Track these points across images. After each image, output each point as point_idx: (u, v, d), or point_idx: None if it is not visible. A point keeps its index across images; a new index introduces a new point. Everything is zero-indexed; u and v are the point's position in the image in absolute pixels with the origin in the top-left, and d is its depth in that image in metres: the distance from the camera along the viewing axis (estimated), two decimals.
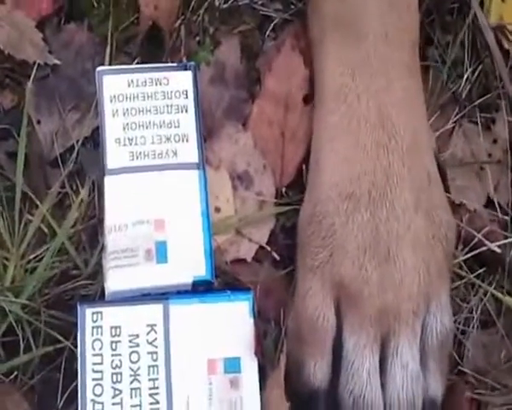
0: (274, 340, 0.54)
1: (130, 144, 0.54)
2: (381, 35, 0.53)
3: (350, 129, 0.52)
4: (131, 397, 0.49)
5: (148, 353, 0.49)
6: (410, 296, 0.50)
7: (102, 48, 0.59)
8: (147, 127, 0.55)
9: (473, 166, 0.59)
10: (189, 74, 0.56)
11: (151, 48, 0.60)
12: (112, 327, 0.49)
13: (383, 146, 0.52)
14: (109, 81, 0.55)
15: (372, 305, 0.50)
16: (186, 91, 0.56)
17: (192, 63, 0.57)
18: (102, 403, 0.48)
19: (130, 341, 0.49)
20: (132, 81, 0.55)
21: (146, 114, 0.55)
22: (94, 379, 0.49)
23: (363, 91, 0.53)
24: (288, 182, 0.58)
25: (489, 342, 0.55)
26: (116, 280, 0.50)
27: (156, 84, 0.56)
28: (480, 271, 0.57)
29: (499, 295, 0.55)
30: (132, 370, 0.49)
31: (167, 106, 0.55)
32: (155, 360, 0.49)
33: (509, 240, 0.56)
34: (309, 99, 0.59)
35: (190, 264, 0.51)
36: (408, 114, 0.53)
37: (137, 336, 0.49)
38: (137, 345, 0.49)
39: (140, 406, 0.49)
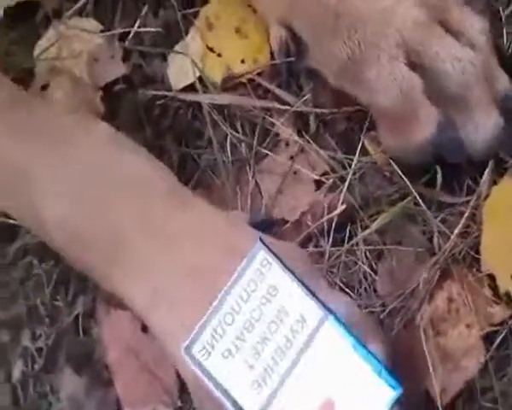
0: None
1: None
2: None
3: None
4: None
5: (285, 336, 0.45)
6: None
7: None
8: None
9: None
10: None
11: None
12: (270, 286, 0.45)
13: None
14: None
15: None
16: None
17: None
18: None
19: (278, 310, 0.45)
20: None
21: None
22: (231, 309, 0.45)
23: None
24: None
25: None
26: None
27: None
28: None
29: None
30: (265, 337, 0.45)
31: None
32: (286, 348, 0.45)
33: None
34: None
35: None
36: None
37: (287, 313, 0.45)
38: (281, 321, 0.45)
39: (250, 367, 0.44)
